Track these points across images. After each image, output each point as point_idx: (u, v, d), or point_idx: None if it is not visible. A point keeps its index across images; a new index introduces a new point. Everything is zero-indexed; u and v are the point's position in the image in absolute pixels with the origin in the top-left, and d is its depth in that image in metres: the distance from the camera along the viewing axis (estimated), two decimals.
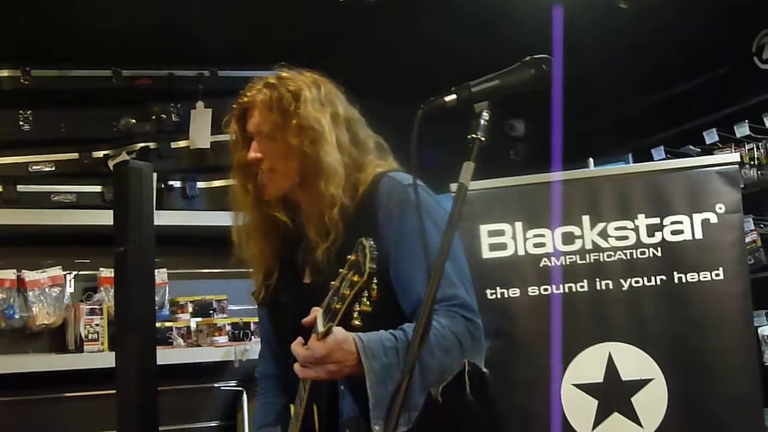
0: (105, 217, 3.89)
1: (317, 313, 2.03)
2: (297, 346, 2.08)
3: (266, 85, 2.37)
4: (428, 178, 2.31)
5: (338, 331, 2.04)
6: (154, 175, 3.86)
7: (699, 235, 3.60)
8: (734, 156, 3.80)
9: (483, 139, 1.86)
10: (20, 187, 4.03)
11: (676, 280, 3.58)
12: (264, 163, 2.34)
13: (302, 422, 2.26)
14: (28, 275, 4.12)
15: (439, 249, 1.82)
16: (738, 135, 4.60)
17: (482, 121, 1.88)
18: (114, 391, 3.35)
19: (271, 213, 2.41)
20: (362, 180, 2.35)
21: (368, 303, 1.94)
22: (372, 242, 1.92)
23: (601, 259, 3.65)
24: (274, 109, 2.33)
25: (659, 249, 3.62)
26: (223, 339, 4.29)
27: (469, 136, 1.87)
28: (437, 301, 2.10)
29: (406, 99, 1.97)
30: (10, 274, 4.08)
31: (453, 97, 1.89)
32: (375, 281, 1.92)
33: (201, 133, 4.28)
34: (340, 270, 1.97)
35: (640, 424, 3.53)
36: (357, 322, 1.96)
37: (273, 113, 2.33)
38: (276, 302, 2.47)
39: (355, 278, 1.91)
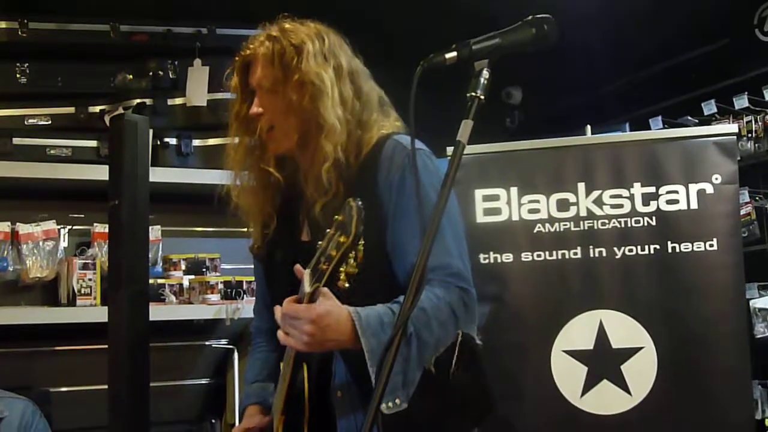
0: (100, 172, 3.87)
1: (304, 273, 2.03)
2: (285, 302, 2.08)
3: (269, 37, 2.32)
4: (430, 140, 2.31)
5: (332, 308, 2.03)
6: (150, 130, 3.85)
7: (694, 205, 3.61)
8: (732, 127, 3.81)
9: (482, 97, 1.85)
10: (16, 140, 4.01)
11: (669, 250, 3.60)
12: (264, 119, 2.31)
13: (290, 382, 2.23)
14: (22, 228, 4.10)
15: (435, 207, 1.80)
16: (736, 107, 4.59)
17: (482, 80, 1.86)
18: (105, 346, 3.36)
19: (266, 168, 2.39)
20: (366, 141, 2.32)
21: (354, 264, 1.93)
22: (360, 203, 1.91)
23: (595, 227, 3.66)
24: (276, 64, 2.29)
25: (654, 218, 3.63)
26: (215, 297, 4.29)
27: (468, 94, 1.85)
28: (432, 269, 2.11)
29: (410, 59, 1.95)
30: (4, 227, 4.07)
31: (453, 54, 1.88)
32: (362, 242, 1.91)
33: (197, 91, 4.26)
34: (327, 230, 1.96)
35: (629, 392, 3.56)
36: (344, 284, 1.95)
37: (275, 67, 2.29)
38: (272, 257, 2.45)
39: (342, 239, 1.91)
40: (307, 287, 2.00)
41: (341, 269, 1.94)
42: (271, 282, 2.51)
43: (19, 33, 4.09)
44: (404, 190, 2.23)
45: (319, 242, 1.99)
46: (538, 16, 1.95)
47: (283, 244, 2.42)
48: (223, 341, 4.54)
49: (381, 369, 1.72)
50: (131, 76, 4.21)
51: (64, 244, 4.24)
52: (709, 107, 4.67)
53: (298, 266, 2.10)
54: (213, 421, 4.48)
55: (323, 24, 2.40)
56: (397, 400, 2.04)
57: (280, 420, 2.27)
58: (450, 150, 1.90)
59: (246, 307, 4.15)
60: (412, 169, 2.14)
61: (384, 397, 1.94)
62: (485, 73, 1.88)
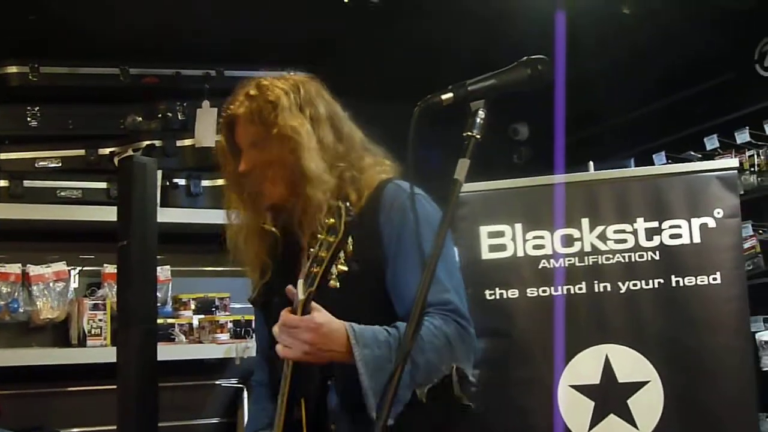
0: (110, 214, 3.92)
1: (298, 282, 2.09)
2: (282, 313, 2.14)
3: (247, 96, 2.41)
4: (430, 183, 2.35)
5: (329, 319, 2.10)
6: (159, 172, 3.91)
7: (697, 239, 3.61)
8: (733, 161, 3.83)
9: (478, 136, 1.90)
10: (26, 182, 4.09)
11: (673, 284, 3.60)
12: (253, 175, 2.39)
13: (285, 415, 2.26)
14: (33, 269, 4.16)
15: (433, 244, 1.85)
16: (738, 141, 4.62)
17: (478, 119, 1.91)
18: (114, 387, 3.39)
19: (262, 224, 2.46)
20: (366, 183, 2.39)
21: (344, 261, 2.00)
22: (348, 204, 1.99)
23: (600, 262, 3.67)
24: (256, 121, 2.37)
25: (657, 252, 3.64)
26: (224, 336, 4.33)
27: (464, 134, 1.90)
28: (431, 304, 2.16)
29: (409, 100, 2.00)
30: (15, 268, 4.13)
31: (450, 95, 1.93)
32: (350, 240, 1.97)
33: (206, 132, 4.33)
34: (318, 235, 2.02)
35: (636, 426, 3.55)
36: (336, 284, 2.01)
37: (255, 125, 2.37)
38: (270, 303, 2.50)
39: (332, 239, 1.97)
40: (300, 294, 2.06)
41: (331, 270, 2.00)
42: (269, 326, 2.55)
43: (30, 77, 4.17)
44: (404, 230, 2.29)
45: (311, 249, 2.05)
46: (533, 57, 2.00)
47: (281, 290, 2.45)
48: (233, 380, 4.56)
49: (384, 396, 1.78)
50: (141, 118, 4.28)
51: (74, 285, 4.29)
52: (712, 142, 4.71)
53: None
54: None
55: (304, 74, 2.49)
56: None
57: None
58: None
59: (255, 346, 4.18)
60: (411, 210, 2.18)
61: (371, 409, 2.06)
62: (481, 113, 1.93)
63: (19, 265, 4.16)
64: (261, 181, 2.39)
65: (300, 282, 2.07)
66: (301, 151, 2.33)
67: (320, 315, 2.10)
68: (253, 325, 4.24)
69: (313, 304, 2.10)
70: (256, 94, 2.39)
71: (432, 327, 2.19)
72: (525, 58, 2.00)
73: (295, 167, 2.33)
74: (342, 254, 1.99)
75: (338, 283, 2.03)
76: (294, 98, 2.39)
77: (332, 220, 2.00)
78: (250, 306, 2.60)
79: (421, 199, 2.34)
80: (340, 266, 2.00)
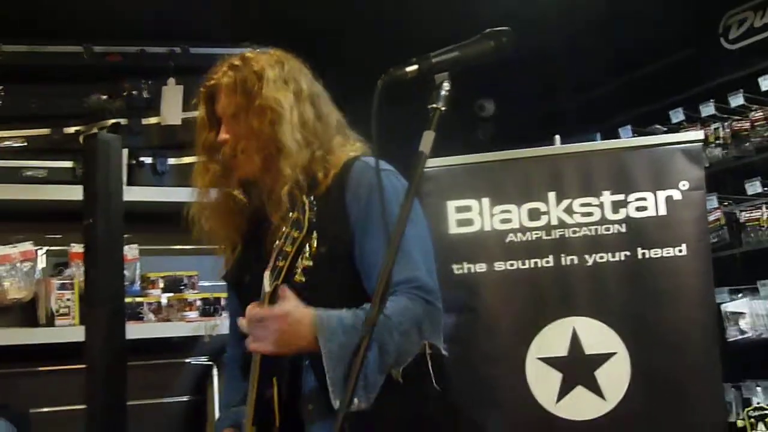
0: (76, 193, 3.88)
1: (264, 275, 2.09)
2: (248, 308, 2.13)
3: (231, 66, 2.41)
4: (400, 154, 2.35)
5: (295, 308, 2.08)
6: (125, 150, 3.88)
7: (663, 211, 3.66)
8: (698, 134, 3.87)
9: (443, 108, 1.90)
10: None
11: (639, 256, 3.65)
12: (229, 145, 2.38)
13: (257, 396, 2.27)
14: None
15: (398, 218, 1.85)
16: (703, 114, 4.66)
17: (442, 91, 1.91)
18: (83, 366, 3.38)
19: (230, 192, 2.45)
20: (333, 162, 2.38)
21: (309, 257, 2.01)
22: (312, 198, 1.99)
23: (567, 235, 3.71)
24: (239, 91, 2.36)
25: (623, 225, 3.68)
26: (193, 314, 4.31)
27: (429, 106, 1.90)
28: (398, 282, 2.17)
29: (371, 74, 2.00)
30: None
31: (414, 67, 1.93)
32: (314, 235, 1.98)
33: (172, 110, 4.29)
34: (283, 229, 2.02)
35: (603, 398, 3.60)
36: (301, 278, 2.02)
37: (237, 95, 2.37)
38: (240, 281, 2.50)
39: (296, 234, 1.98)
40: (267, 286, 2.07)
41: (297, 264, 2.01)
42: (243, 305, 2.54)
43: None
44: (371, 207, 2.28)
45: (276, 242, 2.05)
46: (496, 29, 2.00)
47: (251, 268, 2.44)
48: (203, 358, 4.55)
49: (349, 373, 1.77)
50: (105, 97, 4.23)
51: (41, 264, 4.25)
52: (677, 115, 4.74)
53: (240, 319, 2.14)
54: None
55: (284, 51, 2.47)
56: (356, 400, 2.05)
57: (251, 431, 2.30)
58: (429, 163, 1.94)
59: (224, 323, 4.16)
60: (377, 186, 2.18)
61: (333, 399, 2.05)
62: (446, 85, 1.92)
63: None
64: (236, 153, 2.37)
65: (266, 275, 2.08)
66: (281, 124, 2.32)
67: (287, 303, 2.09)
68: (223, 303, 4.29)
69: (282, 292, 2.08)
70: (241, 65, 2.39)
71: (399, 308, 2.17)
72: (488, 30, 2.00)
73: (272, 140, 2.33)
74: (307, 248, 1.99)
75: (303, 278, 2.03)
76: (279, 72, 2.39)
77: (296, 214, 1.99)
78: (219, 284, 2.61)
79: (390, 174, 2.33)
80: (305, 261, 2.02)
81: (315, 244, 2.01)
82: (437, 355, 2.28)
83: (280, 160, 2.31)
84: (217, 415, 4.38)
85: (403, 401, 2.23)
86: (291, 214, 2.02)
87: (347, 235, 2.28)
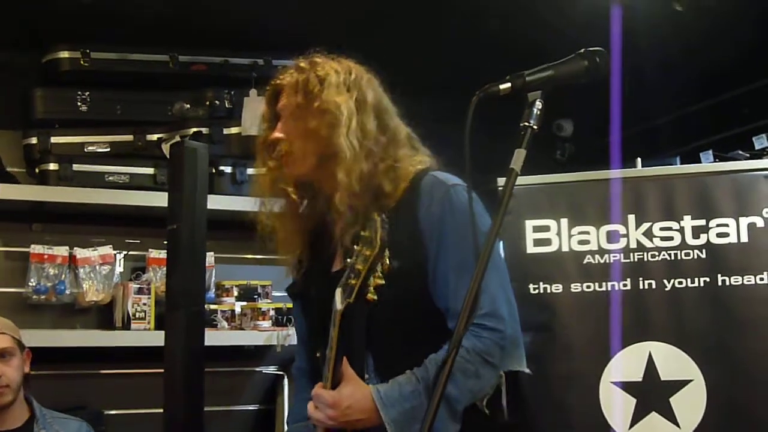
0: (156, 199, 3.98)
1: (336, 292, 2.09)
2: (317, 387, 2.22)
3: (297, 68, 2.43)
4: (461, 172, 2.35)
5: (352, 391, 2.16)
6: None
7: (744, 238, 3.59)
8: None
9: (535, 127, 1.90)
10: (75, 166, 4.14)
11: (719, 283, 3.58)
12: (284, 143, 2.38)
13: None
14: (80, 252, 4.23)
15: (485, 241, 1.85)
16: None
17: (535, 110, 1.92)
18: (158, 370, 3.42)
19: (287, 192, 2.45)
20: (402, 175, 2.37)
21: (381, 276, 2.00)
22: (384, 216, 1.97)
23: (645, 259, 3.65)
24: (300, 92, 2.37)
25: (704, 251, 3.61)
26: (266, 323, 4.36)
27: (521, 124, 1.90)
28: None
29: (456, 94, 2.00)
30: (62, 251, 4.20)
31: (507, 85, 1.93)
32: (387, 254, 1.97)
33: (252, 120, 4.34)
34: (354, 247, 2.01)
35: (677, 425, 3.53)
36: (373, 297, 2.02)
37: (298, 95, 2.38)
38: (306, 294, 2.51)
39: (368, 252, 1.96)
40: (338, 304, 2.07)
41: (369, 282, 2.00)
42: (307, 317, 2.56)
43: (82, 62, 4.22)
44: (445, 224, 2.28)
45: (348, 260, 2.05)
46: (591, 48, 2.00)
47: (316, 278, 2.46)
48: (273, 368, 4.59)
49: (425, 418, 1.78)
50: (189, 105, 4.30)
51: (119, 268, 4.35)
52: (761, 141, 4.65)
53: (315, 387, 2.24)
54: None
55: (357, 61, 2.48)
56: None
57: None
58: (501, 181, 1.94)
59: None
60: (454, 205, 2.27)
61: None
62: (538, 104, 1.93)
63: (67, 247, 4.22)
64: (290, 151, 2.38)
65: (338, 292, 2.07)
66: (338, 127, 2.32)
67: (344, 389, 2.17)
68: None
69: (345, 372, 2.17)
70: (307, 68, 2.41)
71: (463, 352, 2.15)
72: (583, 49, 2.00)
73: (327, 144, 2.32)
74: (379, 267, 1.99)
75: (375, 296, 2.03)
76: (343, 78, 2.39)
77: (367, 233, 1.98)
78: None
79: (461, 190, 2.31)
80: (377, 279, 2.00)
81: (387, 263, 2.00)
82: (513, 380, 2.29)
83: (334, 165, 2.31)
84: (285, 426, 4.41)
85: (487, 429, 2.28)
86: (363, 232, 2.00)
87: (420, 253, 2.28)
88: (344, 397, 2.15)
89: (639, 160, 3.88)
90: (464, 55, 4.48)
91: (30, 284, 4.12)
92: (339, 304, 2.06)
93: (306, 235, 2.49)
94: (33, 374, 3.50)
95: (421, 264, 2.28)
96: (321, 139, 2.34)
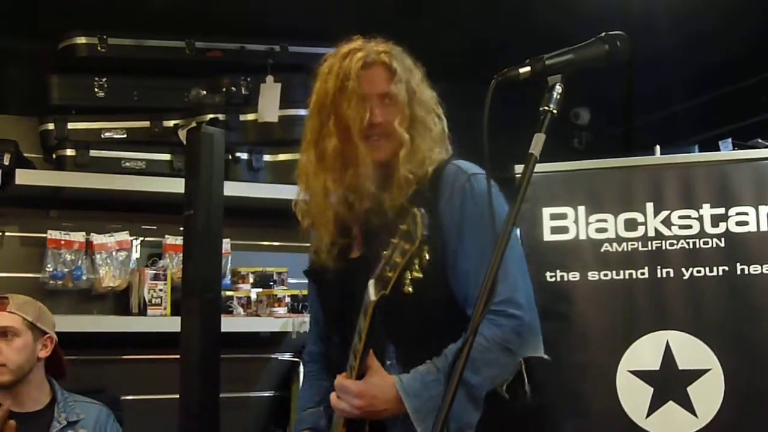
0: (173, 185, 3.98)
1: (369, 283, 2.06)
2: (339, 377, 2.21)
3: (386, 52, 2.36)
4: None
5: (379, 380, 2.17)
6: None
7: (764, 227, 3.56)
8: None
9: (555, 111, 1.88)
10: (92, 152, 4.14)
11: (738, 272, 3.55)
12: (382, 128, 2.33)
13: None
14: (96, 238, 4.23)
15: (500, 237, 1.83)
16: None
17: (555, 94, 1.89)
18: (174, 356, 3.43)
19: (361, 174, 2.36)
20: (428, 162, 2.36)
21: (419, 269, 1.96)
22: (423, 210, 1.94)
23: (663, 247, 3.63)
24: (403, 79, 2.35)
25: (723, 239, 3.59)
26: (282, 310, 4.35)
27: (541, 108, 1.88)
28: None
29: (473, 77, 1.99)
30: (79, 237, 4.20)
31: (527, 68, 1.91)
32: (426, 248, 1.94)
33: (269, 107, 4.34)
34: (392, 240, 1.98)
35: (695, 414, 3.52)
36: (409, 289, 1.98)
37: (402, 83, 2.34)
38: (323, 278, 2.49)
39: (407, 246, 1.93)
40: (372, 295, 2.04)
41: (405, 276, 1.97)
42: (322, 300, 2.56)
43: (99, 48, 4.21)
44: (465, 213, 2.28)
45: (384, 252, 2.01)
46: (612, 32, 1.98)
47: (335, 263, 2.44)
48: (288, 354, 4.59)
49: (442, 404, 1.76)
50: (205, 92, 4.29)
51: (136, 254, 4.36)
52: None
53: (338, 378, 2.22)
54: None
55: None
56: None
57: None
58: (518, 168, 1.92)
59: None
60: (475, 193, 2.27)
61: None
62: (558, 88, 1.90)
63: (83, 233, 4.23)
64: (386, 136, 2.34)
65: (371, 282, 2.05)
66: (422, 121, 2.36)
67: (371, 380, 2.17)
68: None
69: (371, 364, 2.17)
70: (396, 53, 2.39)
71: (482, 340, 2.16)
72: (603, 33, 1.98)
73: (405, 135, 2.33)
74: (416, 260, 1.96)
75: (411, 289, 1.99)
76: (421, 71, 2.42)
77: (406, 226, 1.94)
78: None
79: (482, 179, 2.29)
80: (415, 273, 1.96)
81: (426, 257, 1.97)
82: (532, 366, 2.29)
83: (404, 155, 2.32)
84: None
85: (508, 415, 2.27)
86: (401, 225, 1.95)
87: (440, 243, 2.26)
88: (371, 387, 2.16)
89: (658, 147, 3.85)
90: (483, 39, 4.45)
91: (47, 270, 4.12)
92: (373, 295, 2.03)
93: (341, 217, 2.44)
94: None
95: (444, 253, 2.27)
96: (410, 128, 2.34)
